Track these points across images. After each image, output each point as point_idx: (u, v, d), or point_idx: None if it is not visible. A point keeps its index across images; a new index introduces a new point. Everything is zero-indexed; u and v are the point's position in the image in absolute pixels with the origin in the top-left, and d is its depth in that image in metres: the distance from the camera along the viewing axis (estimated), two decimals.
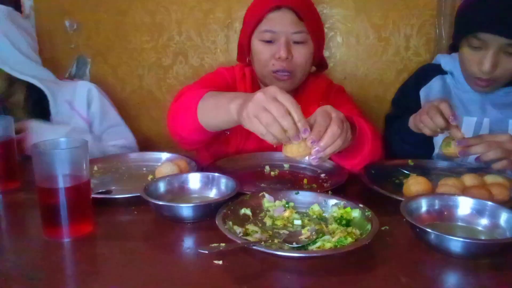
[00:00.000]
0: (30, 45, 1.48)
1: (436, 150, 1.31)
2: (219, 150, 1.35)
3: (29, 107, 1.46)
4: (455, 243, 0.74)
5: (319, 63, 1.40)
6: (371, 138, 1.13)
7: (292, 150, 0.89)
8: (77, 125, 1.47)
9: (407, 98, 1.46)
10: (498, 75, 1.21)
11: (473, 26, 1.19)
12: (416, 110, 1.25)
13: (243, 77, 1.36)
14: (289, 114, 0.84)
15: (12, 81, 1.43)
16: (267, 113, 0.84)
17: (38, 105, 1.45)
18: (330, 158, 1.12)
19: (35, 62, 1.48)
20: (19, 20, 1.48)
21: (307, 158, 0.91)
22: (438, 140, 1.25)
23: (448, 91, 1.40)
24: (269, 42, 1.25)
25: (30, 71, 1.43)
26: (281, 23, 1.23)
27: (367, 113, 1.56)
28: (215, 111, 1.03)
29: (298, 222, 0.88)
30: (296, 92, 1.37)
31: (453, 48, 1.32)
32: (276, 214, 0.91)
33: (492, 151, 1.03)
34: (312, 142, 0.87)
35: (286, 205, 0.94)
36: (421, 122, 1.13)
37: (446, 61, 1.41)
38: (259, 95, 0.86)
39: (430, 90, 1.41)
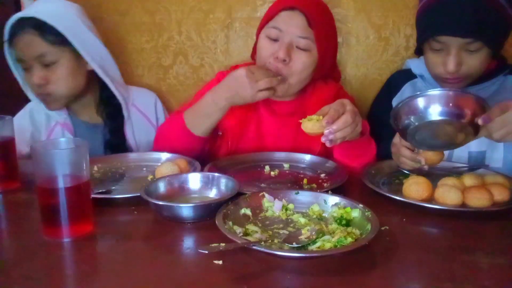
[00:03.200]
0: (103, 43, 1.46)
1: None
2: (212, 151, 1.35)
3: (103, 110, 1.47)
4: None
5: (328, 73, 1.36)
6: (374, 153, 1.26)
7: (308, 126, 1.04)
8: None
9: (381, 111, 1.45)
10: (465, 73, 1.22)
11: (431, 30, 1.20)
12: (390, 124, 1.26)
13: None
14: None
15: (87, 79, 1.41)
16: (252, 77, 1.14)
17: (111, 108, 1.46)
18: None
19: (111, 61, 1.47)
20: (88, 18, 1.46)
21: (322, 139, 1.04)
22: None
23: None
24: (273, 40, 1.25)
25: (110, 71, 1.43)
26: (289, 23, 1.23)
27: (366, 113, 1.56)
28: (203, 117, 1.23)
29: (302, 219, 0.89)
30: (303, 97, 1.36)
31: (419, 52, 1.32)
32: (276, 210, 0.92)
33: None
34: (326, 122, 1.01)
35: (286, 206, 0.94)
36: (400, 164, 1.17)
37: (415, 64, 1.41)
38: (230, 78, 1.20)
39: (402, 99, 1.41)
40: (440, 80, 1.28)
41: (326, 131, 1.01)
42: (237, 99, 1.19)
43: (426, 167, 1.09)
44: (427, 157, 1.08)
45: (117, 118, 1.47)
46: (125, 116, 1.47)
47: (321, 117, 1.03)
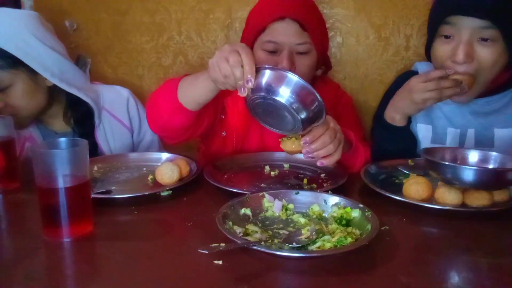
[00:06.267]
0: (63, 51, 1.38)
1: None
2: (217, 151, 1.35)
3: (70, 118, 1.41)
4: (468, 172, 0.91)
5: (323, 64, 1.38)
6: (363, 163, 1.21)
7: (287, 145, 1.06)
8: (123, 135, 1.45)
9: None
10: (475, 68, 1.15)
11: (446, 9, 1.15)
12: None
13: None
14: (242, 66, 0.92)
15: (50, 92, 1.36)
16: (226, 64, 0.93)
17: (79, 115, 1.41)
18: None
19: (73, 69, 1.38)
20: (45, 23, 1.38)
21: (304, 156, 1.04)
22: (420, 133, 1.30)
23: None
24: (271, 52, 1.23)
25: (74, 81, 1.35)
26: (284, 34, 1.21)
27: (366, 113, 1.56)
28: (194, 83, 1.08)
29: (302, 219, 0.89)
30: None
31: (429, 47, 1.26)
32: (276, 210, 0.92)
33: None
34: (305, 142, 1.01)
35: (286, 206, 0.94)
36: (424, 99, 1.14)
37: (424, 68, 1.37)
38: (224, 46, 0.96)
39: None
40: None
41: (304, 150, 1.03)
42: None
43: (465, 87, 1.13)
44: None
45: (85, 124, 1.41)
46: (96, 122, 1.40)
47: (299, 136, 1.04)
